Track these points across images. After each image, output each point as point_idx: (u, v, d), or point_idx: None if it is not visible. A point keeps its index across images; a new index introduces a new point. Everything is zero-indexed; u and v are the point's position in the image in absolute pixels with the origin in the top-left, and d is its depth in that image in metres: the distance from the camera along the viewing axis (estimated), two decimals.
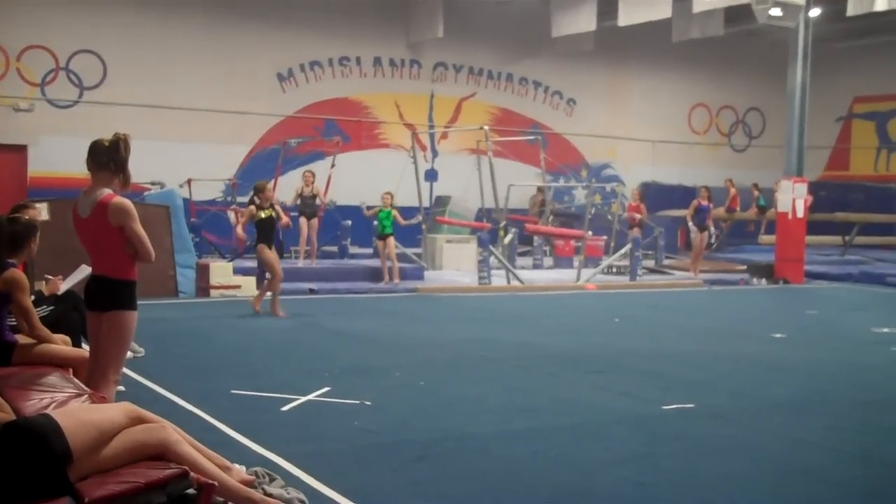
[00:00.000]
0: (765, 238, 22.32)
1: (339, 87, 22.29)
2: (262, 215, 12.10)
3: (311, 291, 14.59)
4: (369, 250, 18.86)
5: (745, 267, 19.28)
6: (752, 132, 29.02)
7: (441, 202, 21.53)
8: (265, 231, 12.12)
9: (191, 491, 4.01)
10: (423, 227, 19.23)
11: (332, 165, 18.51)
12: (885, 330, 11.86)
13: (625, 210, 20.68)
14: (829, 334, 11.70)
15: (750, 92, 28.18)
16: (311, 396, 7.25)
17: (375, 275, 15.90)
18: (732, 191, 23.64)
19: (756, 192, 24.06)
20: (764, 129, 28.80)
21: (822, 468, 5.75)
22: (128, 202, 5.42)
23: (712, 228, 19.47)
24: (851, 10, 18.65)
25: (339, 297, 14.34)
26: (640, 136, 26.28)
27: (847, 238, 22.43)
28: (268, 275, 12.26)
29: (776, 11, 18.57)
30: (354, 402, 7.11)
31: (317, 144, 20.72)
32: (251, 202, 12.29)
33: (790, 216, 18.36)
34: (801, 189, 18.48)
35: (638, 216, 19.43)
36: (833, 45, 24.99)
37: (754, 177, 25.21)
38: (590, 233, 17.96)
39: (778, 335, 11.29)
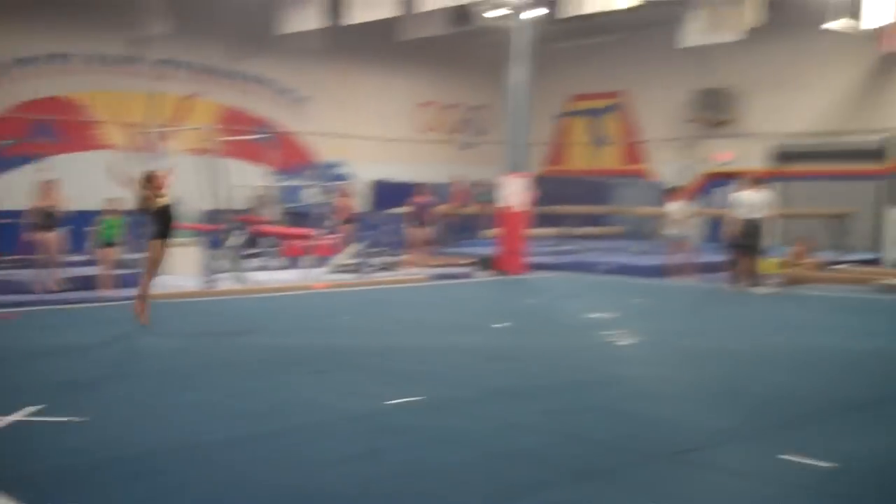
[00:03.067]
0: (489, 231, 23.20)
1: (52, 86, 20.99)
2: (162, 202, 11.16)
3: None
4: (81, 258, 17.83)
5: (470, 260, 19.92)
6: (478, 129, 30.07)
7: None
8: (164, 222, 11.20)
9: None
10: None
11: (44, 169, 17.40)
12: (597, 315, 12.61)
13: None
14: (546, 321, 12.31)
15: (475, 90, 29.18)
16: (15, 417, 6.76)
17: (94, 283, 15.08)
18: (460, 186, 24.38)
19: (482, 188, 24.97)
20: (489, 127, 29.91)
21: (537, 450, 6.01)
22: None
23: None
24: (565, 12, 19.72)
25: (51, 309, 13.46)
26: (370, 133, 26.55)
27: (565, 230, 23.73)
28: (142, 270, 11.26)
29: (496, 12, 19.33)
30: (66, 419, 6.70)
31: (28, 147, 19.39)
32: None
33: (513, 210, 19.17)
34: (523, 184, 19.33)
35: (349, 212, 19.71)
36: (551, 45, 26.30)
37: (481, 172, 26.18)
38: (320, 231, 17.93)
39: (499, 325, 11.75)
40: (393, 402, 7.28)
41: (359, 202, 23.82)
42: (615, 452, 6.03)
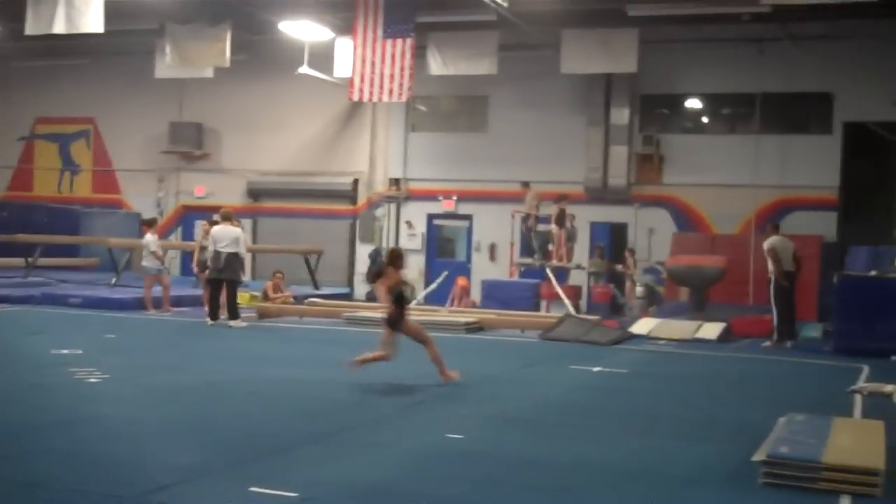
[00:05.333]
0: None
1: None
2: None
3: None
4: None
5: None
6: None
7: None
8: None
9: None
10: None
11: None
12: (65, 351, 11.87)
13: None
14: (6, 360, 11.27)
15: None
16: None
17: None
18: None
19: None
20: None
21: None
22: None
23: None
24: (29, 30, 18.52)
25: None
26: None
27: (30, 260, 22.11)
28: None
29: None
30: None
31: None
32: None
33: None
34: None
35: None
36: (14, 62, 24.64)
37: None
38: None
39: None
40: None
41: None
42: (77, 497, 5.63)
